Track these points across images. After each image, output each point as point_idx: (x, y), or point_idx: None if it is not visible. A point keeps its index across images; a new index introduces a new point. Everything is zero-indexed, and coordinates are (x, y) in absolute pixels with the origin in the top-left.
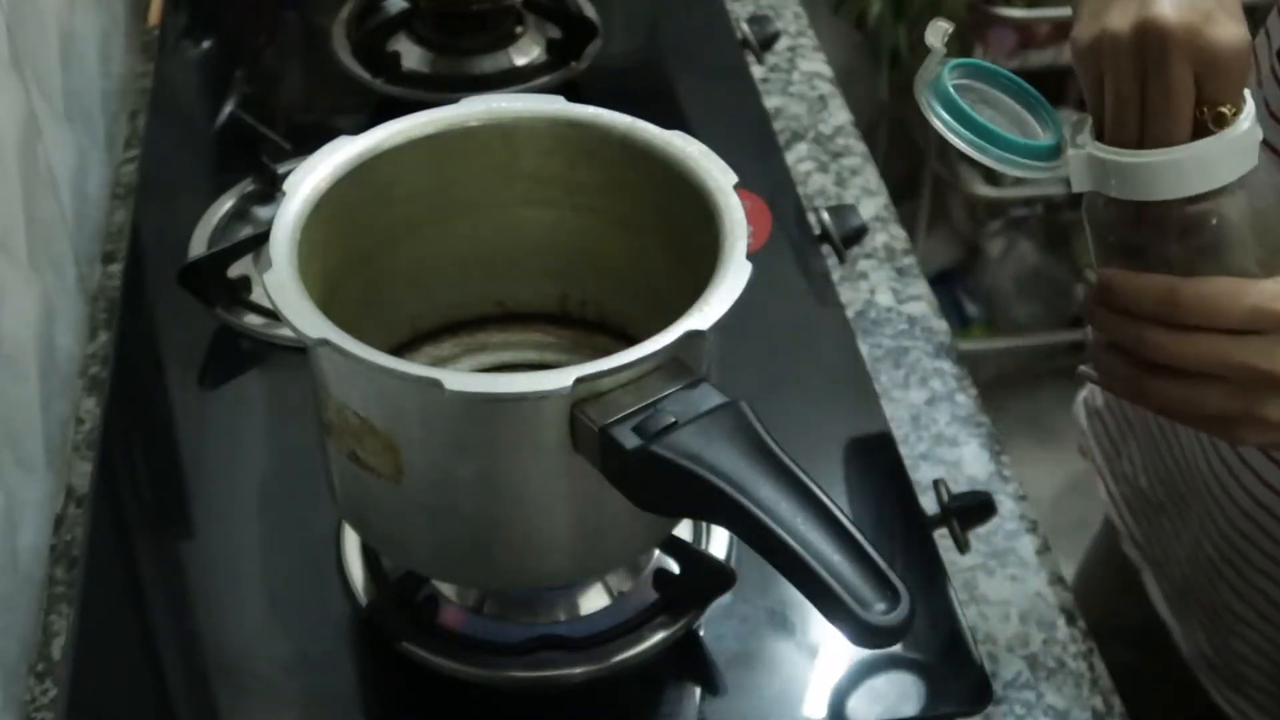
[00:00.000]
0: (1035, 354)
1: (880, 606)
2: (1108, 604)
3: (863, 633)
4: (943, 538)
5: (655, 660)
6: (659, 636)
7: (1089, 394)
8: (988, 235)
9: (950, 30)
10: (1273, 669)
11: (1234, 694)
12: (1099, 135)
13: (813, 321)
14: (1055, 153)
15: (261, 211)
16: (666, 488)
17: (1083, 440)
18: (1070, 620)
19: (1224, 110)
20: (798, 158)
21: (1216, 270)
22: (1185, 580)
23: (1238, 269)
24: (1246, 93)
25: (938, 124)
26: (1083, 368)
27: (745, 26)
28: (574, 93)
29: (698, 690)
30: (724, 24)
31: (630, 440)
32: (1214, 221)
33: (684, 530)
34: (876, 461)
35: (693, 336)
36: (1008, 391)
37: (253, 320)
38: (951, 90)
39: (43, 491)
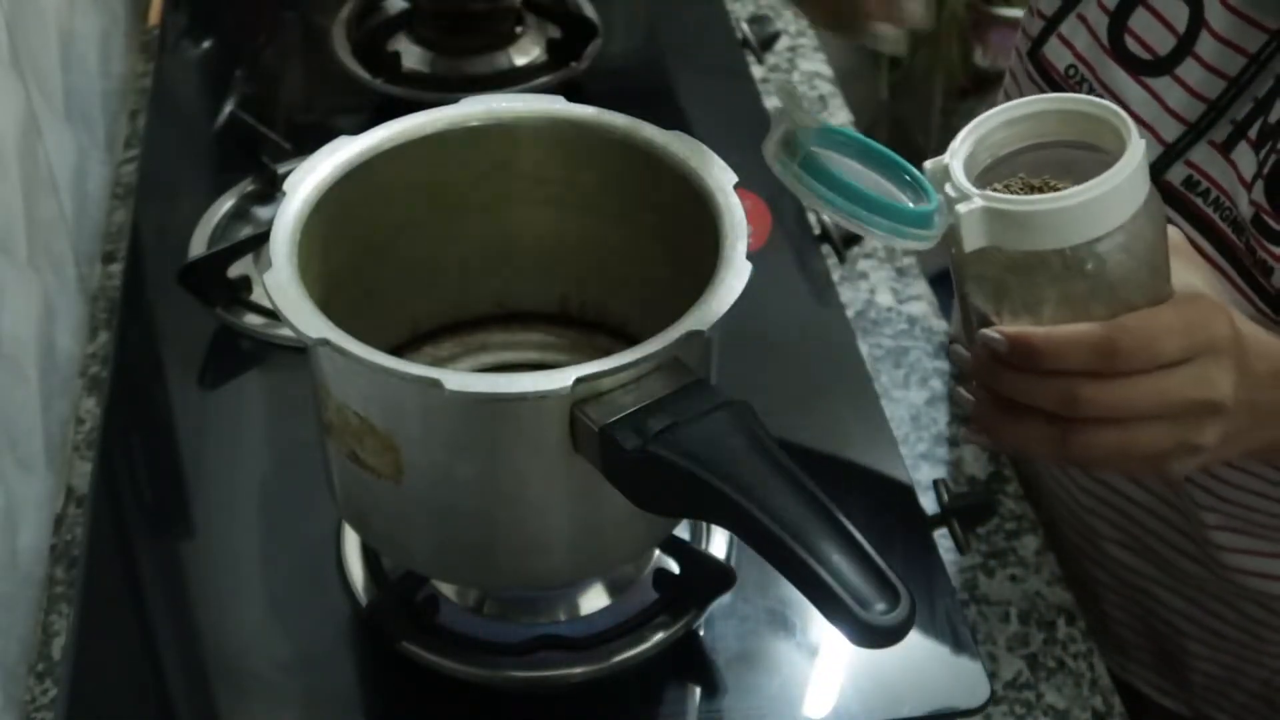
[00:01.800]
0: None
1: (880, 606)
2: None
3: (863, 633)
4: (943, 538)
5: (655, 660)
6: (659, 636)
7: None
8: None
9: (796, 91)
10: (1143, 628)
11: (1122, 658)
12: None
13: (813, 321)
14: (931, 219)
15: (261, 211)
16: (666, 488)
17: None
18: (1070, 620)
19: None
20: None
21: (1112, 305)
22: (1055, 549)
23: (1130, 300)
24: (1131, 125)
25: (802, 190)
26: (966, 432)
27: (745, 26)
28: (574, 93)
29: (698, 690)
30: (724, 24)
31: (630, 440)
32: (1117, 255)
33: (684, 530)
34: (876, 461)
35: (693, 336)
36: None
37: (253, 320)
38: (816, 151)
39: (43, 491)
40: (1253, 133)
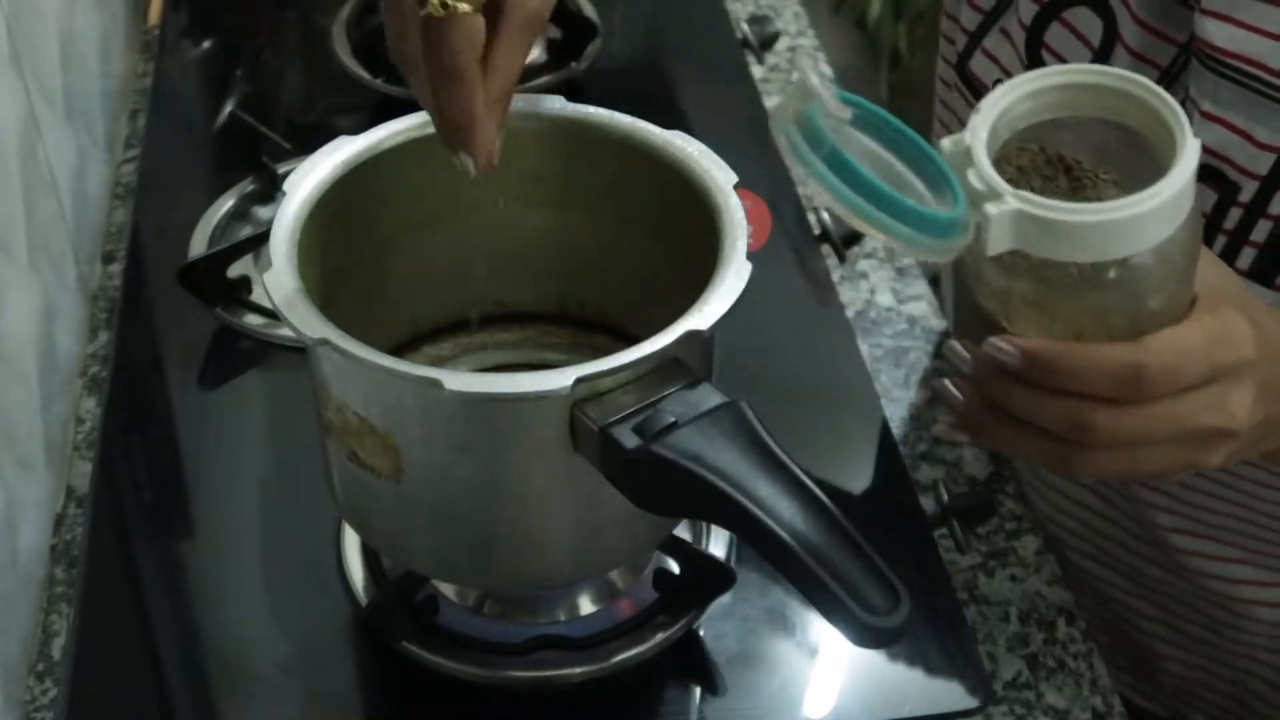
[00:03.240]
0: None
1: (879, 606)
2: None
3: (862, 633)
4: (943, 538)
5: (655, 660)
6: (659, 636)
7: None
8: None
9: (819, 71)
10: (1113, 631)
11: (1136, 680)
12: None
13: (813, 321)
14: (957, 227)
15: (261, 211)
16: (666, 488)
17: None
18: (1070, 620)
19: None
20: None
21: (1134, 317)
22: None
23: (1154, 310)
24: (1184, 121)
25: (810, 177)
26: (944, 426)
27: (745, 26)
28: (574, 93)
29: (698, 690)
30: (724, 24)
31: (630, 440)
32: (1152, 266)
33: (684, 530)
34: (876, 461)
35: (693, 336)
36: None
37: (253, 320)
38: (830, 135)
39: (43, 491)
40: None
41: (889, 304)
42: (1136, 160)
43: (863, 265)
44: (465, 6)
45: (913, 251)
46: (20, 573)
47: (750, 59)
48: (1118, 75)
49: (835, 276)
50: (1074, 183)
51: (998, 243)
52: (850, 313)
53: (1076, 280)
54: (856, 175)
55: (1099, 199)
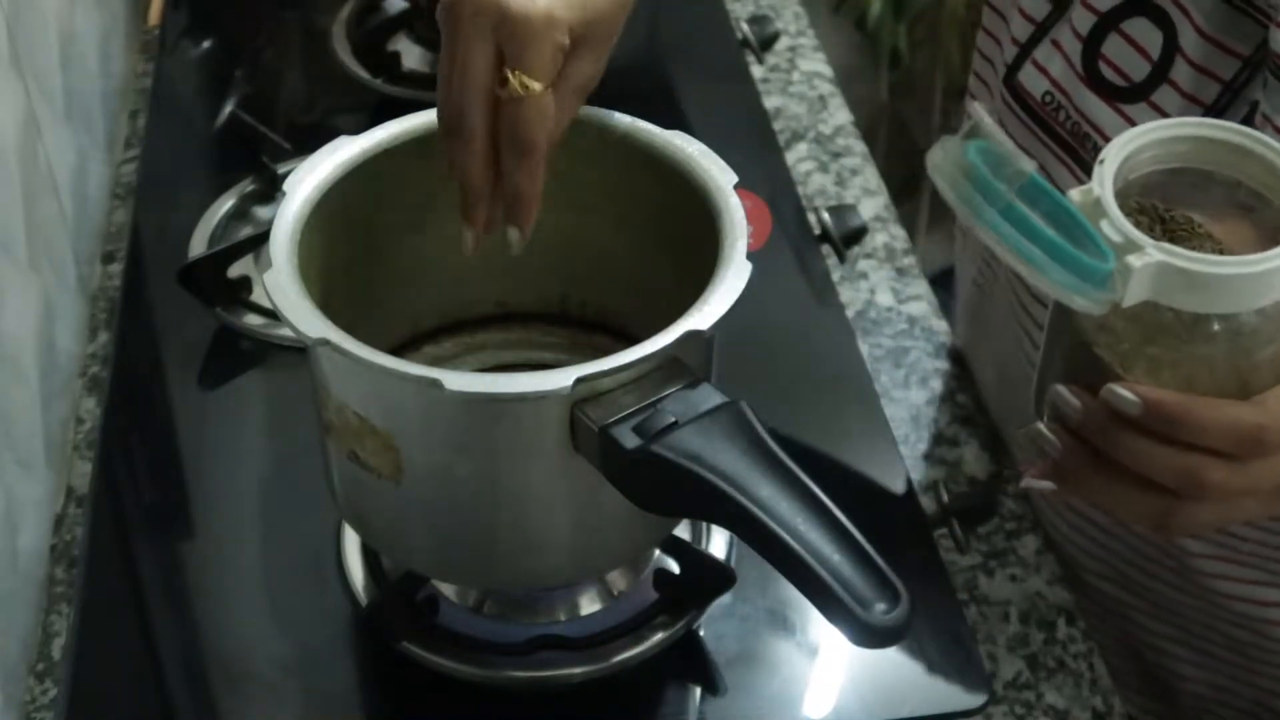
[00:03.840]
0: None
1: (880, 606)
2: None
3: (862, 633)
4: (943, 538)
5: (655, 660)
6: (659, 636)
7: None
8: None
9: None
10: (1128, 652)
11: (1150, 702)
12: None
13: (813, 321)
14: (1111, 278)
15: (261, 211)
16: (666, 488)
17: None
18: (1070, 620)
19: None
20: (798, 158)
21: (1245, 368)
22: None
23: (1263, 362)
24: None
25: (983, 227)
26: (1030, 479)
27: (745, 26)
28: None
29: (698, 690)
30: (724, 24)
31: (630, 440)
32: (1265, 321)
33: (684, 530)
34: (876, 461)
35: (693, 336)
36: None
37: (253, 320)
38: (993, 178)
39: (43, 491)
40: None
41: (889, 304)
42: (1230, 214)
43: (863, 265)
44: (538, 86)
45: (1074, 302)
46: (20, 573)
47: (750, 59)
48: (1241, 132)
49: (835, 276)
50: (1169, 234)
51: (1135, 293)
52: (850, 313)
53: (1196, 331)
54: (1030, 227)
55: (1198, 250)
